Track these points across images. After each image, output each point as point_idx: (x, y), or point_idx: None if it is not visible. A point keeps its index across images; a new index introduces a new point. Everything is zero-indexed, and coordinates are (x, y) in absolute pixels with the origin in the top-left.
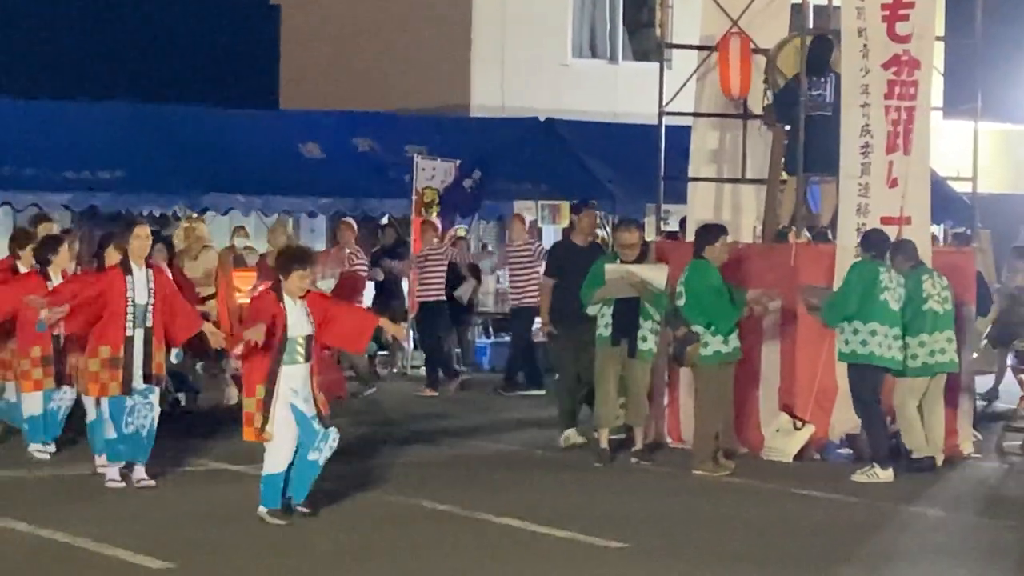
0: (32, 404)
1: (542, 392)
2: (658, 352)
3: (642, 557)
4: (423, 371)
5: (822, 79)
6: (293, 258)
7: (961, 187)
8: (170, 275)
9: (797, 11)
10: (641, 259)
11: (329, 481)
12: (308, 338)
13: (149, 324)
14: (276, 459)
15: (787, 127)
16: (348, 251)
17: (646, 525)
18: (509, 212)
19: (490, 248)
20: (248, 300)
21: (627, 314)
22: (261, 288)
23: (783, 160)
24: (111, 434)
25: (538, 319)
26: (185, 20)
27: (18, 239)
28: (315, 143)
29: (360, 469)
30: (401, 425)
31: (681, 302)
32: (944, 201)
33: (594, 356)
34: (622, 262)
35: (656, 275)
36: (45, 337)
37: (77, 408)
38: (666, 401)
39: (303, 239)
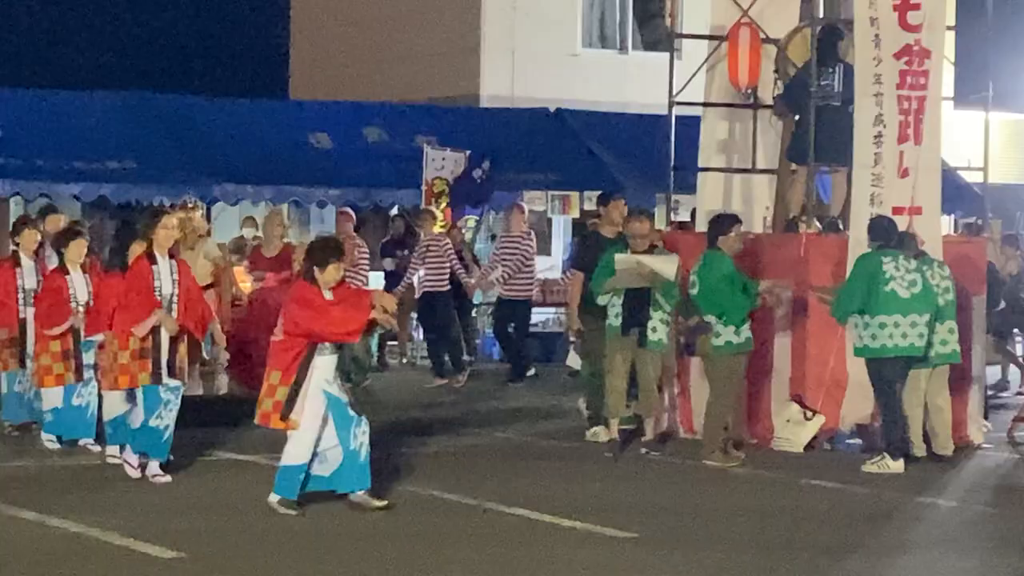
0: (53, 398)
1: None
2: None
3: (652, 546)
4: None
5: (830, 69)
6: (330, 249)
7: (972, 177)
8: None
9: (807, 0)
10: (651, 249)
11: None
12: None
13: (173, 314)
14: (300, 450)
15: (795, 117)
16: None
17: (656, 515)
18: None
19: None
20: (251, 288)
21: (637, 304)
22: (295, 279)
23: (787, 148)
24: (137, 423)
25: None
26: (195, 10)
27: (16, 229)
28: (325, 133)
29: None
30: (409, 415)
31: (694, 292)
32: (955, 191)
33: (646, 356)
34: (632, 252)
35: (666, 265)
36: (65, 332)
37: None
38: (676, 391)
39: (313, 230)
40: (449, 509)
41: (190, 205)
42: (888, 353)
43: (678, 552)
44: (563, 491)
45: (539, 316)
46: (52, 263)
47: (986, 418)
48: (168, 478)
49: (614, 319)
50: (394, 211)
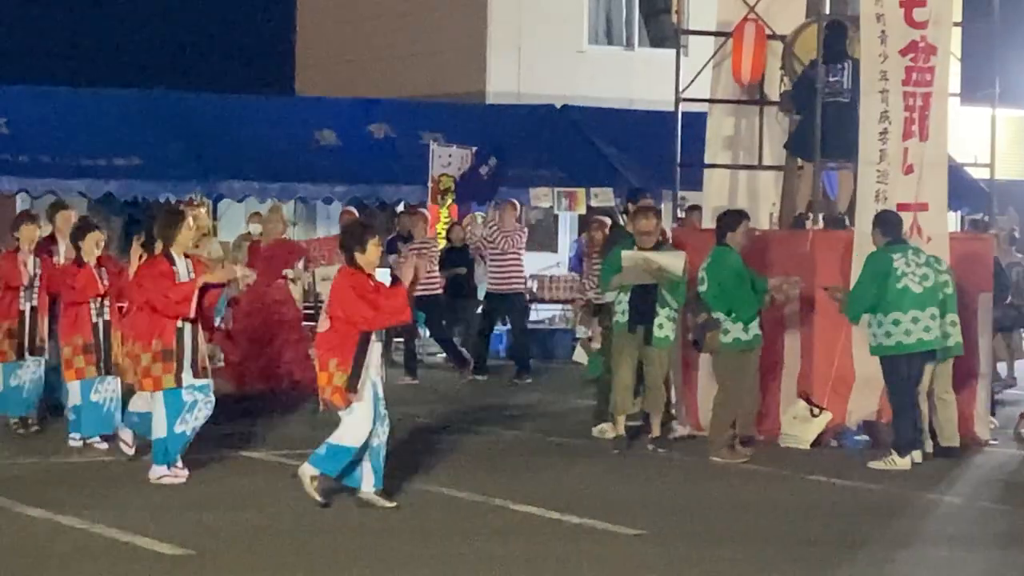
0: (74, 394)
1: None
2: (675, 339)
3: (659, 543)
4: (439, 359)
5: (839, 65)
6: (362, 228)
7: (978, 173)
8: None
9: None
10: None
11: None
12: None
13: (193, 316)
14: (356, 433)
15: (797, 114)
16: None
17: (663, 511)
18: (526, 199)
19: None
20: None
21: (644, 301)
22: (340, 269)
23: (789, 143)
24: (161, 433)
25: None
26: (201, 7)
27: (16, 224)
28: (331, 130)
29: None
30: (417, 412)
31: (703, 288)
32: (961, 187)
33: (652, 353)
34: (640, 249)
35: (673, 262)
36: (86, 325)
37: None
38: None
39: (319, 226)
40: (457, 506)
41: (195, 202)
42: (902, 350)
43: (685, 548)
44: (570, 488)
45: (544, 313)
46: (58, 259)
47: (993, 415)
48: (185, 472)
49: (621, 316)
50: (400, 208)
